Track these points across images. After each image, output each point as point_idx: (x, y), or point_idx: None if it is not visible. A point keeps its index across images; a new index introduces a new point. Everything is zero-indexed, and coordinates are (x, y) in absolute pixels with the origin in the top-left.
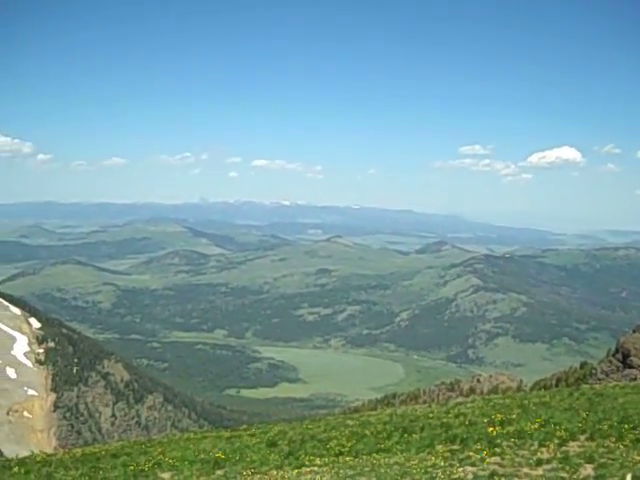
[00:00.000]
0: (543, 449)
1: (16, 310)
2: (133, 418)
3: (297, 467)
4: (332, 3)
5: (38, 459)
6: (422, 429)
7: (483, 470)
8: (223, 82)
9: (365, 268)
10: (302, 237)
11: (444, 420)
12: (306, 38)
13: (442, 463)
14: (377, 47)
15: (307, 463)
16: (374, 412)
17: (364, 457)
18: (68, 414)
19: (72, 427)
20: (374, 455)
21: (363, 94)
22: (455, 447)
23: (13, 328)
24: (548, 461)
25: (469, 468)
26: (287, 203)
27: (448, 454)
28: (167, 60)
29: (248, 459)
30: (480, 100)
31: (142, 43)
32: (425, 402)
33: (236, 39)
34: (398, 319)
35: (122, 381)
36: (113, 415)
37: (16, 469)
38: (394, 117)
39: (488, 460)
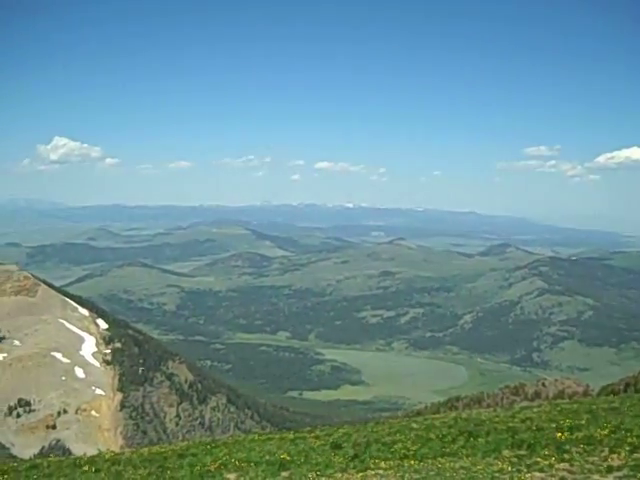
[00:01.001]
0: (614, 456)
1: (84, 311)
2: (197, 419)
3: (362, 470)
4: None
5: (107, 457)
6: (488, 433)
7: (552, 476)
8: (286, 84)
9: (428, 270)
10: (365, 239)
11: (510, 424)
12: (372, 41)
13: (509, 468)
14: (440, 49)
15: (372, 466)
16: (438, 415)
17: (429, 461)
18: (134, 414)
19: (138, 426)
20: (439, 459)
21: (427, 96)
22: (522, 452)
23: (81, 329)
24: (619, 468)
25: (537, 474)
26: (350, 205)
27: (515, 459)
28: (230, 65)
29: (313, 461)
30: (545, 100)
31: (206, 49)
32: (489, 406)
33: (299, 41)
34: (461, 322)
35: (186, 382)
36: (177, 415)
37: (86, 467)
38: (458, 119)
39: (557, 466)
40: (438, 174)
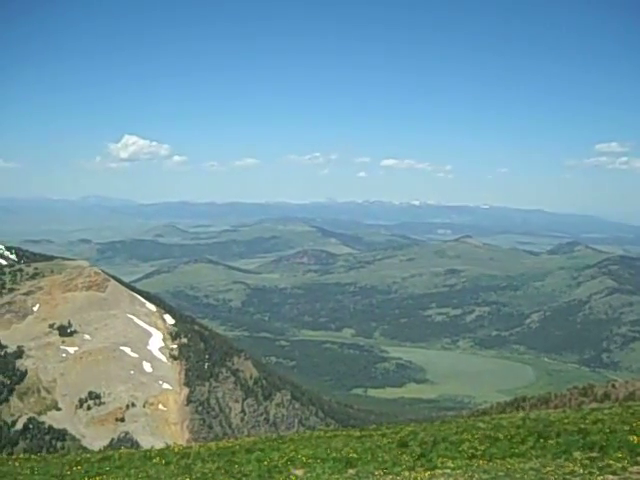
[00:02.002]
0: None
1: (152, 307)
2: (262, 414)
3: (429, 469)
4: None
5: (176, 451)
6: (558, 434)
7: (625, 479)
8: (353, 82)
9: (495, 269)
10: (431, 237)
11: (581, 426)
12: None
13: (581, 470)
14: (509, 44)
15: (439, 465)
16: (505, 415)
17: (498, 461)
18: (200, 408)
19: (204, 421)
20: (508, 459)
21: (494, 93)
22: (594, 454)
23: (149, 324)
24: None
25: (610, 477)
26: (416, 203)
27: (587, 461)
28: (298, 62)
29: (380, 459)
30: (618, 96)
31: (274, 47)
32: (557, 407)
33: (365, 40)
34: (528, 321)
35: (251, 378)
36: (242, 411)
37: (156, 460)
38: (526, 115)
39: (630, 469)
40: (505, 171)
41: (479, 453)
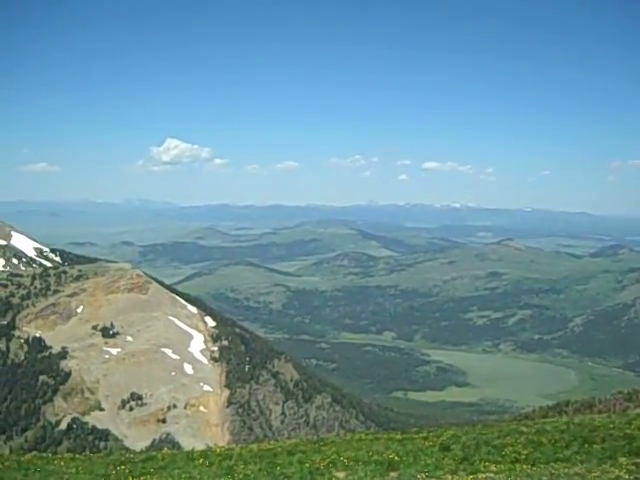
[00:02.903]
0: None
1: (193, 309)
2: (302, 417)
3: (472, 473)
4: None
5: (218, 452)
6: (603, 440)
7: None
8: (395, 85)
9: (537, 272)
10: (472, 240)
11: (627, 431)
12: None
13: (626, 476)
14: (546, 49)
15: (482, 469)
16: (548, 420)
17: (542, 466)
18: (240, 410)
19: (244, 423)
20: (552, 464)
21: (535, 95)
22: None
23: (190, 326)
24: None
25: None
26: (457, 205)
27: (633, 467)
28: (339, 65)
29: (422, 462)
30: None
31: (316, 50)
32: (601, 412)
33: (403, 42)
34: (572, 324)
35: (292, 380)
36: (283, 413)
37: (199, 461)
38: (569, 117)
39: None
40: (548, 173)
41: (522, 457)
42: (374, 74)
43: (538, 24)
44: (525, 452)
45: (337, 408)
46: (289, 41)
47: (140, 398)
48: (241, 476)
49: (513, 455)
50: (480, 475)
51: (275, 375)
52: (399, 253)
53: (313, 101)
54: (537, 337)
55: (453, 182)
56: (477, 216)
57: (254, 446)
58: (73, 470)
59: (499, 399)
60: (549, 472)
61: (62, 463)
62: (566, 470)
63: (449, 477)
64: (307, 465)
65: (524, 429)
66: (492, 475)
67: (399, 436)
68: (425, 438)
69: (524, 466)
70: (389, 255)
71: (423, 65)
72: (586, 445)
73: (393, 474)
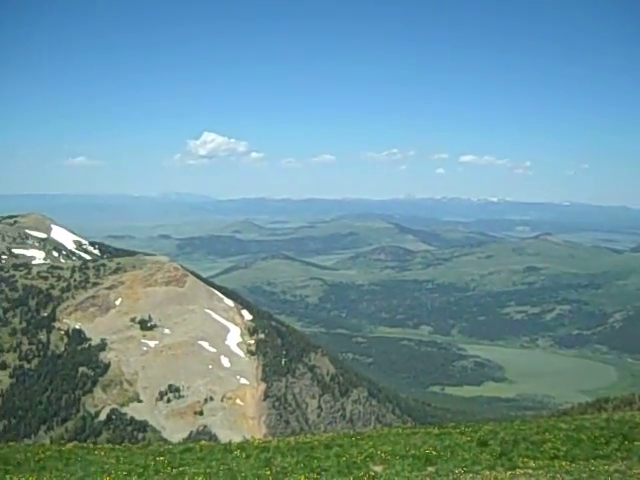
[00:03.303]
0: None
1: (229, 302)
2: (338, 411)
3: (510, 469)
4: None
5: (256, 444)
6: None
7: None
8: (431, 79)
9: (575, 266)
10: (510, 234)
11: None
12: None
13: None
14: (586, 39)
15: (520, 465)
16: (588, 416)
17: (581, 462)
18: (277, 403)
19: (280, 416)
20: (592, 461)
21: (575, 88)
22: None
23: (227, 319)
24: None
25: None
26: (495, 200)
27: None
28: (374, 59)
29: (459, 457)
30: None
31: (349, 46)
32: None
33: (438, 37)
34: (611, 320)
35: (328, 374)
36: (319, 407)
37: (237, 453)
38: (609, 110)
39: None
40: (587, 167)
41: (561, 454)
42: (411, 69)
43: (585, 17)
44: (564, 448)
45: (373, 402)
46: (326, 34)
47: (177, 390)
48: (278, 468)
49: (552, 451)
50: (518, 471)
51: (311, 369)
52: (436, 247)
53: (349, 94)
54: (576, 333)
55: (490, 176)
56: (515, 210)
57: (291, 439)
58: (113, 460)
59: (537, 395)
60: (589, 469)
61: (102, 453)
62: (606, 467)
63: (487, 473)
64: (344, 459)
65: (563, 425)
66: (530, 471)
67: (436, 431)
68: (462, 433)
69: (563, 462)
70: (426, 249)
71: (460, 60)
72: (626, 442)
73: (430, 469)
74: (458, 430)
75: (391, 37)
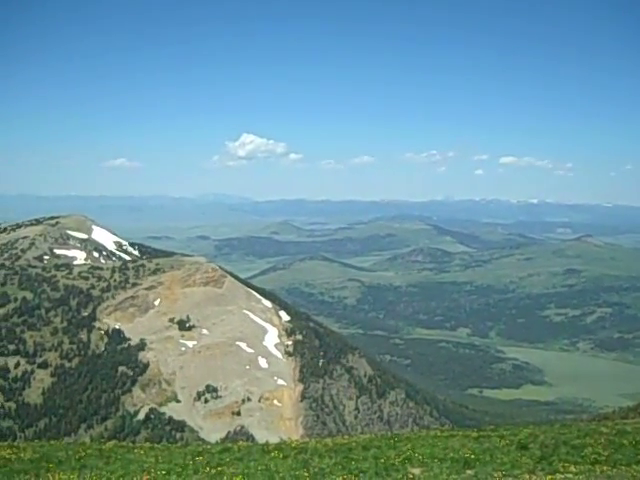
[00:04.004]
0: None
1: (267, 303)
2: (375, 412)
3: (550, 473)
4: None
5: (294, 445)
6: None
7: None
8: (471, 80)
9: (617, 269)
10: (550, 236)
11: None
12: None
13: None
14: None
15: (561, 469)
16: (629, 421)
17: (623, 468)
18: (314, 405)
19: (317, 417)
20: (634, 466)
21: (618, 88)
22: None
23: (265, 320)
24: None
25: None
26: (535, 201)
27: None
28: (416, 62)
29: (498, 461)
30: None
31: (390, 48)
32: None
33: (478, 39)
34: None
35: (365, 375)
36: (356, 408)
37: (275, 453)
38: None
39: None
40: (630, 168)
41: (602, 459)
42: (452, 71)
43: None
44: (605, 453)
45: (411, 404)
46: (366, 36)
47: (215, 390)
48: (316, 470)
49: (593, 456)
50: (559, 475)
51: (349, 370)
52: (475, 249)
53: (390, 95)
54: (617, 336)
55: (530, 177)
56: (555, 212)
57: (328, 440)
58: (152, 459)
59: (577, 398)
60: (631, 474)
61: (142, 452)
62: None
63: (527, 477)
64: (382, 460)
65: (604, 430)
66: (571, 476)
67: (475, 433)
68: (501, 436)
69: (604, 467)
70: (464, 251)
71: (501, 62)
72: None
73: (469, 472)
74: (497, 433)
75: (434, 40)
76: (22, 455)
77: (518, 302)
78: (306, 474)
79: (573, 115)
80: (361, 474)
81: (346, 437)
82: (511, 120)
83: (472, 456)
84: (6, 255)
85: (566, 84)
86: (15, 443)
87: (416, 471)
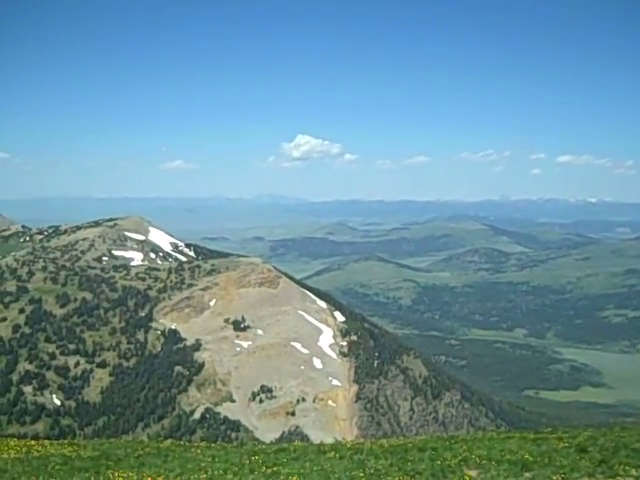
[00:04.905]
0: None
1: (322, 304)
2: (430, 413)
3: (610, 477)
4: None
5: (349, 446)
6: None
7: None
8: (529, 78)
9: None
10: (608, 235)
11: None
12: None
13: None
14: None
15: (621, 473)
16: None
17: None
18: (368, 405)
19: (372, 418)
20: None
21: None
22: None
23: (319, 321)
24: None
25: None
26: (593, 200)
27: None
28: (471, 61)
29: (557, 463)
30: None
31: (448, 48)
32: None
33: (536, 35)
34: None
35: (420, 376)
36: (411, 409)
37: (330, 454)
38: None
39: None
40: None
41: None
42: (507, 68)
43: None
44: None
45: (466, 405)
46: (420, 39)
47: (270, 391)
48: (372, 470)
49: None
50: (619, 479)
51: (404, 371)
52: (531, 249)
53: (444, 95)
54: None
55: (589, 176)
56: (614, 211)
57: (384, 441)
58: (209, 459)
59: (637, 401)
60: None
61: (198, 451)
62: None
63: None
64: (438, 462)
65: None
66: (632, 479)
67: (532, 436)
68: (560, 439)
69: None
70: (521, 251)
71: (557, 58)
72: None
73: (527, 475)
74: (555, 435)
75: (488, 40)
76: (82, 453)
77: (576, 303)
78: (362, 475)
79: (635, 112)
80: (417, 475)
81: (401, 438)
82: (569, 118)
83: (530, 458)
84: (66, 256)
85: (626, 80)
86: (75, 441)
87: (473, 473)
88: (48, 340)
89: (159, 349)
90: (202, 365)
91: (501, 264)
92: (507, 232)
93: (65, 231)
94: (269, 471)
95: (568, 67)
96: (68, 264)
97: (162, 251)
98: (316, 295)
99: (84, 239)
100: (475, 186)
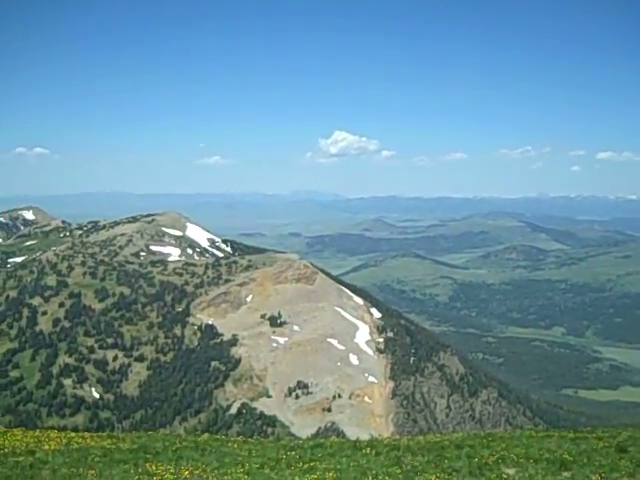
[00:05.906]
0: None
1: (359, 300)
2: (467, 411)
3: None
4: None
5: (386, 443)
6: None
7: None
8: (569, 74)
9: None
10: None
11: None
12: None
13: None
14: None
15: None
16: None
17: None
18: (405, 402)
19: (408, 415)
20: None
21: None
22: None
23: (356, 317)
24: None
25: None
26: (634, 197)
27: None
28: (509, 58)
29: (596, 463)
30: None
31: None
32: None
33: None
34: None
35: (457, 374)
36: (448, 406)
37: (366, 450)
38: None
39: None
40: None
41: None
42: (546, 66)
43: None
44: None
45: (503, 403)
46: (460, 36)
47: (306, 387)
48: (409, 467)
49: None
50: None
51: (440, 368)
52: (570, 246)
53: (482, 92)
54: None
55: (630, 173)
56: None
57: (420, 438)
58: (246, 453)
59: None
60: None
61: (235, 445)
62: None
63: None
64: (475, 460)
65: None
66: None
67: (571, 435)
68: (599, 438)
69: None
70: (559, 248)
71: (595, 54)
72: None
73: (565, 474)
74: (594, 435)
75: (527, 36)
76: (121, 445)
77: (616, 301)
78: (399, 471)
79: None
80: (454, 473)
81: (438, 435)
82: (609, 115)
83: (569, 458)
84: (105, 252)
85: None
86: (114, 434)
87: (510, 471)
88: (87, 334)
89: (196, 344)
90: (239, 360)
91: (539, 261)
92: (545, 229)
93: (104, 226)
94: (305, 466)
95: (609, 63)
96: (107, 259)
97: (199, 247)
98: (352, 291)
99: (122, 234)
100: (513, 183)
